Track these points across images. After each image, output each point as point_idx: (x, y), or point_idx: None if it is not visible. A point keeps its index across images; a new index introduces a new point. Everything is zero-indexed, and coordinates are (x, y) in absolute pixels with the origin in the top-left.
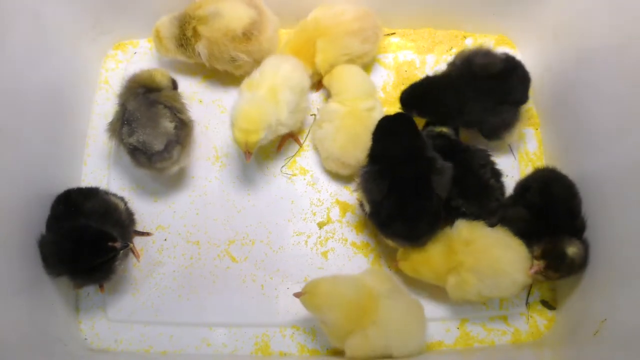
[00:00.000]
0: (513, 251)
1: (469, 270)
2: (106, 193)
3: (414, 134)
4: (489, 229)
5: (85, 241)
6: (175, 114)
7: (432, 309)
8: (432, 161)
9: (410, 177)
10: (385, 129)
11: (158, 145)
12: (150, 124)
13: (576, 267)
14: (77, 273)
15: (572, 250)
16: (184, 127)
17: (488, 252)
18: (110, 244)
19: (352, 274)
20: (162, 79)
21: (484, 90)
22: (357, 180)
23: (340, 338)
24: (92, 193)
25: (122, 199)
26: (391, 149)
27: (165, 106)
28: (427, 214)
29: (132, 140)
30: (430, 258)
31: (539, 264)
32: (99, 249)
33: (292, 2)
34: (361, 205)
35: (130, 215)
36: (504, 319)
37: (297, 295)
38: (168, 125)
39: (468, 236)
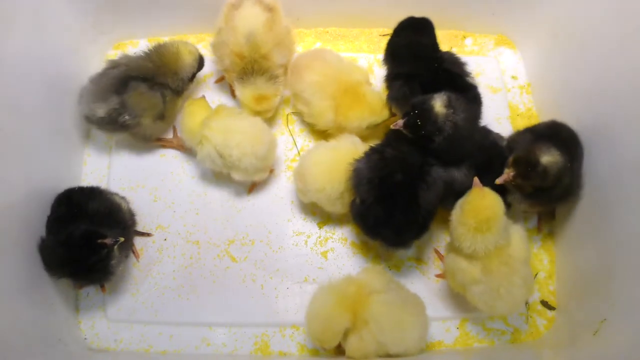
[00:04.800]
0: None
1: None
2: (109, 193)
3: (421, 147)
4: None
5: (75, 243)
6: (125, 117)
7: (431, 308)
8: (424, 173)
9: (402, 185)
10: (399, 132)
11: (84, 109)
12: (98, 94)
13: (550, 177)
14: (76, 275)
15: (547, 159)
16: (120, 126)
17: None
18: (99, 240)
19: (349, 274)
20: (189, 58)
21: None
22: (351, 172)
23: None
24: (94, 193)
25: (124, 198)
26: (392, 155)
27: (124, 106)
28: (413, 226)
29: (86, 83)
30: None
31: (507, 173)
32: (90, 248)
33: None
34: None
35: (132, 215)
36: (504, 318)
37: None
38: (100, 111)
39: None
